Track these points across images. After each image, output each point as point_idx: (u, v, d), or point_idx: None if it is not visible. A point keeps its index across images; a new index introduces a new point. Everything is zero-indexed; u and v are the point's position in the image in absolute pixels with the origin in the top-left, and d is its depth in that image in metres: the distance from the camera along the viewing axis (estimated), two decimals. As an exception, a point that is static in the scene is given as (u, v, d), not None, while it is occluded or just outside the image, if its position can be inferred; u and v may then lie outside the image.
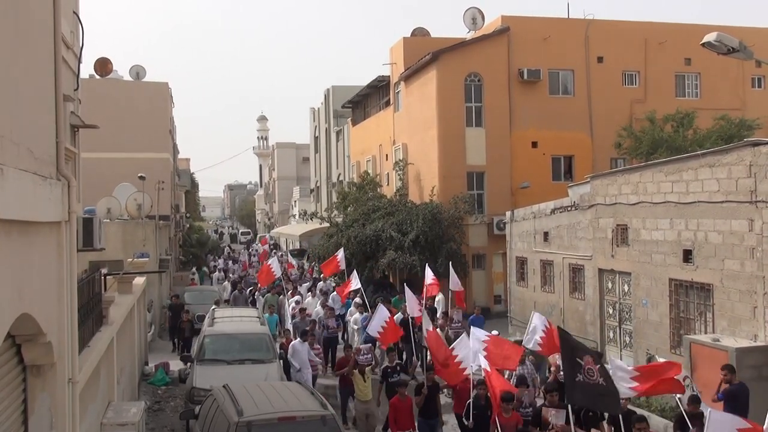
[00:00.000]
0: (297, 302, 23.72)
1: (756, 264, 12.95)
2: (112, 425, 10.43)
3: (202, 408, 11.54)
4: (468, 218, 27.88)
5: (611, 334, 18.20)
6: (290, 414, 9.74)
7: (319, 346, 17.98)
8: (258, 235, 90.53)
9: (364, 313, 20.75)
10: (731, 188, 13.54)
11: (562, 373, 12.21)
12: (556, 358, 13.01)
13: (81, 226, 8.34)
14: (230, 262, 52.30)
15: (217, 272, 42.99)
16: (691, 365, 13.43)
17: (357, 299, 22.09)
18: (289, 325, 19.36)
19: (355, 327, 21.06)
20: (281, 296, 25.33)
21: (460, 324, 18.81)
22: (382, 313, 16.32)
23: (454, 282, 20.85)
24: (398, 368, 14.75)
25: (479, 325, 19.17)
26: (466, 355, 12.52)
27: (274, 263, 25.62)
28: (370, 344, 16.85)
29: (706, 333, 14.22)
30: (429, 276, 20.67)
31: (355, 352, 15.19)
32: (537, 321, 13.76)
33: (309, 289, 27.38)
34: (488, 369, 11.57)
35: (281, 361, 16.34)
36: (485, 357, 11.86)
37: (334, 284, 28.10)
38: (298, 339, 16.81)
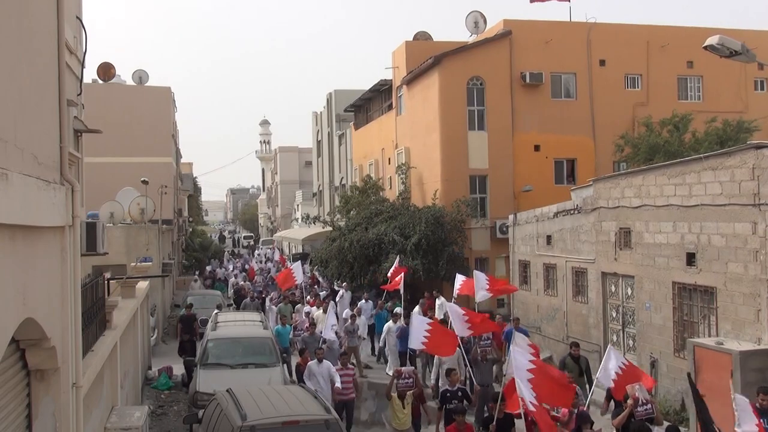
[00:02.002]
0: (307, 313, 21.88)
1: (759, 267, 12.92)
2: (115, 430, 10.43)
3: (205, 412, 11.53)
4: (470, 222, 27.87)
5: (614, 338, 18.16)
6: (294, 418, 9.73)
7: (352, 366, 15.49)
8: (261, 239, 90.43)
9: (398, 323, 19.38)
10: (734, 191, 13.52)
11: (642, 408, 10.83)
12: (635, 389, 11.16)
13: (84, 230, 8.35)
14: (229, 267, 51.32)
15: (233, 278, 41.20)
16: (695, 369, 13.40)
17: (398, 309, 20.63)
18: (325, 337, 16.85)
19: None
20: (298, 305, 23.97)
21: (489, 342, 16.35)
22: (419, 321, 14.70)
23: (481, 287, 18.45)
24: (460, 393, 12.92)
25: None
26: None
27: (296, 268, 24.18)
28: (413, 367, 14.73)
29: (709, 336, 14.18)
30: (459, 280, 19.79)
31: (395, 375, 13.46)
32: (613, 358, 11.97)
33: (325, 299, 25.13)
34: (535, 404, 9.91)
35: (285, 365, 16.26)
36: (532, 389, 10.13)
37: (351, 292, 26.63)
38: (315, 359, 14.69)
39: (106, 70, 37.09)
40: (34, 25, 6.24)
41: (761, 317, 12.91)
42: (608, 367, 11.92)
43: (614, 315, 18.21)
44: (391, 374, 15.53)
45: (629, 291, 17.41)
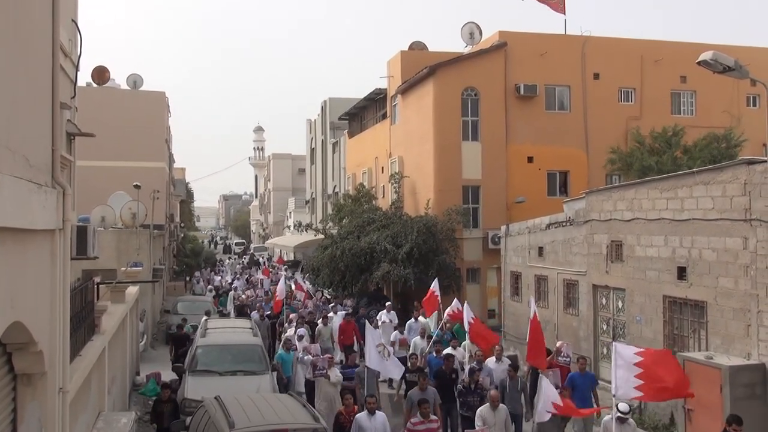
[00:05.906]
0: (301, 336, 18.36)
1: (750, 282, 12.97)
2: (102, 435, 10.35)
3: (193, 419, 11.46)
4: (463, 232, 27.90)
5: (605, 350, 18.16)
6: (282, 426, 9.68)
7: (436, 418, 11.71)
8: (253, 246, 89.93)
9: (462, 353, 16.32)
10: (726, 206, 13.58)
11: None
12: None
13: (75, 234, 8.31)
14: (227, 278, 49.20)
15: (232, 291, 37.40)
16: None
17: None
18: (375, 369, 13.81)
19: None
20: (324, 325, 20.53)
21: (558, 390, 12.57)
22: (549, 390, 11.20)
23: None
24: None
25: (587, 385, 13.71)
26: None
27: (279, 287, 22.42)
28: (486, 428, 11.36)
29: (699, 350, 14.20)
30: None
31: None
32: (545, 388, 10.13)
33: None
34: None
35: (274, 373, 16.15)
36: None
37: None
38: (366, 410, 11.32)
39: (100, 74, 36.86)
40: (29, 27, 6.22)
41: (751, 332, 12.94)
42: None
43: (605, 327, 18.22)
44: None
45: (620, 304, 17.43)
